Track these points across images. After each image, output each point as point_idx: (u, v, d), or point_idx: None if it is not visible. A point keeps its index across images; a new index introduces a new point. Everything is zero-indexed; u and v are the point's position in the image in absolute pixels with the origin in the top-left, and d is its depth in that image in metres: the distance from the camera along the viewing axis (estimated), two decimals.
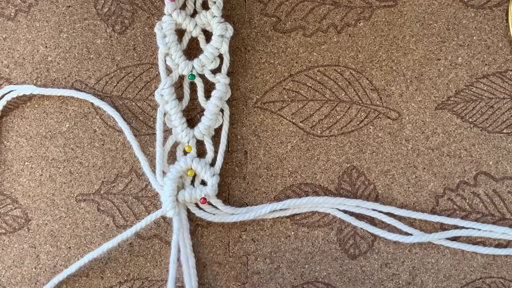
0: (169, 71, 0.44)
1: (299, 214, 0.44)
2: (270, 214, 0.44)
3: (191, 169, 0.44)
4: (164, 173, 0.43)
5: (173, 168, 0.43)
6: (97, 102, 0.45)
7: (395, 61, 0.45)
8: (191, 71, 0.44)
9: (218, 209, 0.44)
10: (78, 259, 0.44)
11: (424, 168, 0.45)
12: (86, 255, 0.43)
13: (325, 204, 0.44)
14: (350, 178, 0.45)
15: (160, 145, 0.43)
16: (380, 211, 0.44)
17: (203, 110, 0.44)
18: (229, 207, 0.44)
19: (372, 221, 0.44)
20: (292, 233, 0.45)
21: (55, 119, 0.45)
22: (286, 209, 0.44)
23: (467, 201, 0.44)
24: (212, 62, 0.44)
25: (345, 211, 0.44)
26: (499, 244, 0.44)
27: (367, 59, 0.45)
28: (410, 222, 0.44)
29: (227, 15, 0.46)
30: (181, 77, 0.44)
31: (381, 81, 0.45)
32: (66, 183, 0.45)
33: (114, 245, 0.43)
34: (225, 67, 0.44)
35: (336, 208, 0.44)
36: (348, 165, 0.45)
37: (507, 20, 0.45)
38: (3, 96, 0.45)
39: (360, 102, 0.45)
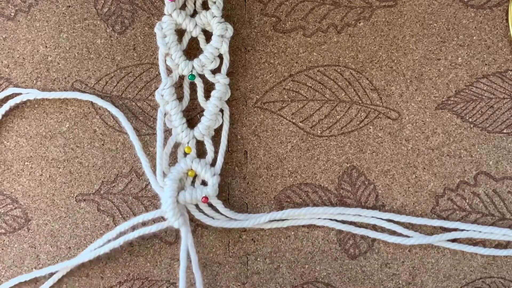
0: (169, 71, 0.44)
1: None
2: (268, 224, 0.44)
3: (192, 169, 0.44)
4: (164, 174, 0.43)
5: (173, 169, 0.43)
6: (101, 103, 0.45)
7: (395, 61, 0.45)
8: (191, 71, 0.44)
9: (218, 211, 0.44)
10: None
11: (424, 168, 0.45)
12: (87, 248, 0.44)
13: (324, 214, 0.44)
14: (350, 178, 0.45)
15: (161, 146, 0.43)
16: (380, 218, 0.44)
17: (203, 110, 0.44)
18: (228, 210, 0.44)
19: (372, 226, 0.44)
20: (292, 233, 0.45)
21: (55, 119, 0.45)
22: (285, 219, 0.44)
23: (467, 201, 0.44)
24: (212, 62, 0.44)
25: (343, 221, 0.44)
26: (499, 245, 0.44)
27: (367, 59, 0.45)
28: (410, 223, 0.44)
29: (227, 15, 0.46)
30: (181, 77, 0.44)
31: (381, 81, 0.45)
32: (66, 183, 0.45)
33: (113, 236, 0.43)
34: (224, 67, 0.44)
35: (335, 220, 0.44)
36: (348, 165, 0.45)
37: (507, 20, 0.45)
38: (5, 98, 0.45)
39: (360, 102, 0.45)
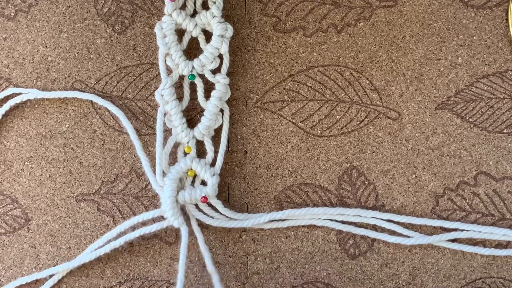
0: (169, 71, 0.44)
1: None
2: (268, 224, 0.44)
3: (191, 169, 0.44)
4: (164, 174, 0.43)
5: (173, 169, 0.43)
6: (101, 102, 0.45)
7: (395, 61, 0.45)
8: (191, 71, 0.44)
9: (217, 211, 0.44)
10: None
11: (424, 168, 0.45)
12: (88, 248, 0.44)
13: (324, 215, 0.44)
14: (350, 178, 0.45)
15: (161, 146, 0.43)
16: (380, 219, 0.44)
17: (203, 110, 0.44)
18: (228, 210, 0.44)
19: (372, 226, 0.44)
20: (292, 233, 0.45)
21: (55, 119, 0.45)
22: (285, 219, 0.44)
23: (467, 201, 0.44)
24: (212, 62, 0.44)
25: (343, 222, 0.44)
26: (499, 245, 0.44)
27: (367, 59, 0.45)
28: (410, 223, 0.44)
29: (227, 15, 0.46)
30: (181, 77, 0.44)
31: (381, 81, 0.45)
32: (66, 183, 0.45)
33: (113, 236, 0.43)
34: (225, 67, 0.44)
35: (335, 220, 0.44)
36: (348, 165, 0.45)
37: (507, 20, 0.45)
38: (5, 98, 0.45)
39: (360, 102, 0.45)
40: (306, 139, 0.45)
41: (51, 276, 0.44)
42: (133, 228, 0.44)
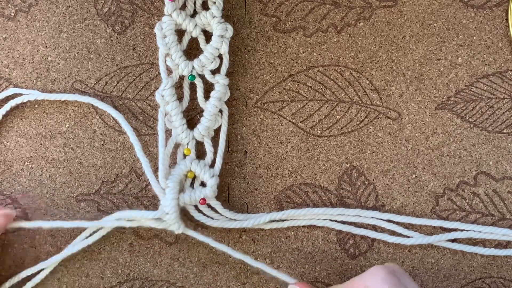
0: (169, 71, 0.44)
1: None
2: (268, 224, 0.44)
3: (191, 170, 0.43)
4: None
5: (174, 171, 0.43)
6: (101, 106, 0.44)
7: (395, 61, 0.45)
8: (191, 71, 0.44)
9: (217, 212, 0.44)
10: (78, 259, 0.44)
11: (424, 168, 0.45)
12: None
13: (324, 215, 0.44)
14: (350, 178, 0.45)
15: (163, 147, 0.43)
16: (380, 219, 0.44)
17: (202, 110, 0.44)
18: (228, 211, 0.44)
19: (372, 226, 0.44)
20: (292, 233, 0.45)
21: (55, 119, 0.45)
22: (285, 220, 0.44)
23: (467, 201, 0.44)
24: (212, 62, 0.44)
25: (343, 222, 0.44)
26: (499, 245, 0.44)
27: (367, 59, 0.45)
28: (410, 223, 0.44)
29: (227, 15, 0.46)
30: (181, 78, 0.44)
31: (381, 81, 0.45)
32: (66, 183, 0.45)
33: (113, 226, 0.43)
34: (224, 68, 0.44)
35: (335, 220, 0.44)
36: (348, 165, 0.45)
37: (507, 20, 0.45)
38: (6, 99, 0.45)
39: (360, 102, 0.45)
40: (306, 139, 0.45)
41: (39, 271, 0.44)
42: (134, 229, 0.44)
